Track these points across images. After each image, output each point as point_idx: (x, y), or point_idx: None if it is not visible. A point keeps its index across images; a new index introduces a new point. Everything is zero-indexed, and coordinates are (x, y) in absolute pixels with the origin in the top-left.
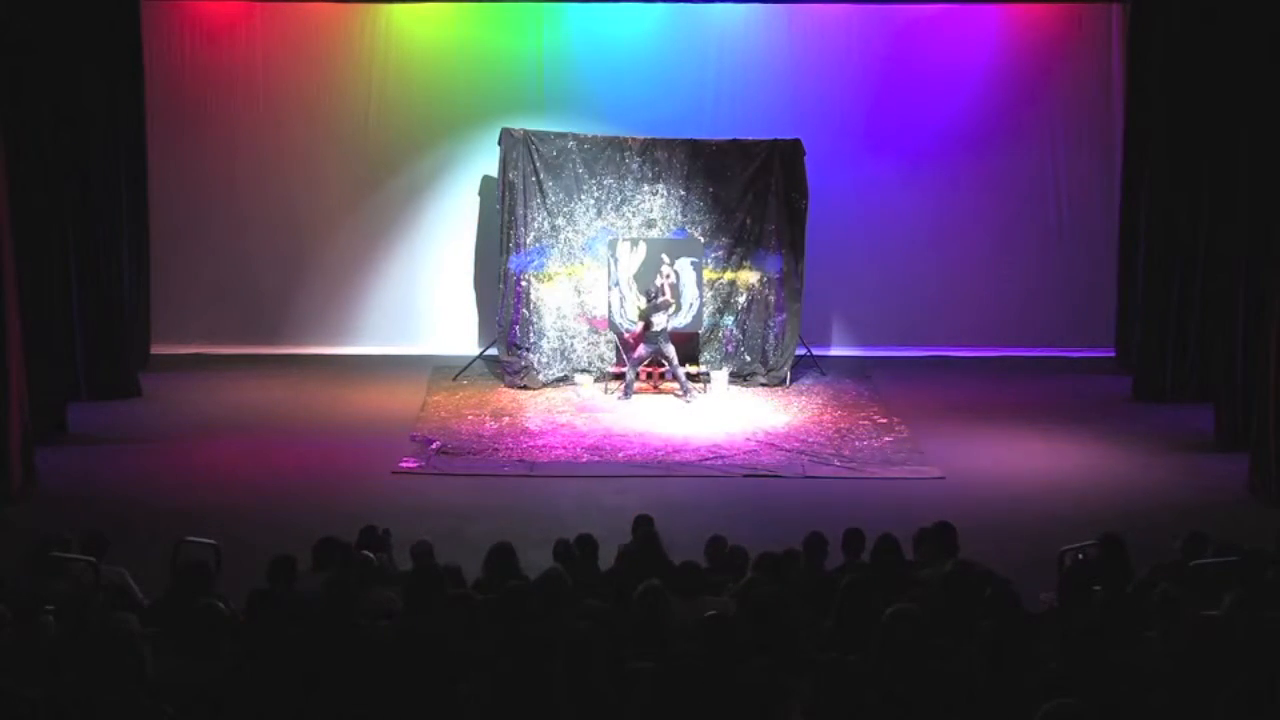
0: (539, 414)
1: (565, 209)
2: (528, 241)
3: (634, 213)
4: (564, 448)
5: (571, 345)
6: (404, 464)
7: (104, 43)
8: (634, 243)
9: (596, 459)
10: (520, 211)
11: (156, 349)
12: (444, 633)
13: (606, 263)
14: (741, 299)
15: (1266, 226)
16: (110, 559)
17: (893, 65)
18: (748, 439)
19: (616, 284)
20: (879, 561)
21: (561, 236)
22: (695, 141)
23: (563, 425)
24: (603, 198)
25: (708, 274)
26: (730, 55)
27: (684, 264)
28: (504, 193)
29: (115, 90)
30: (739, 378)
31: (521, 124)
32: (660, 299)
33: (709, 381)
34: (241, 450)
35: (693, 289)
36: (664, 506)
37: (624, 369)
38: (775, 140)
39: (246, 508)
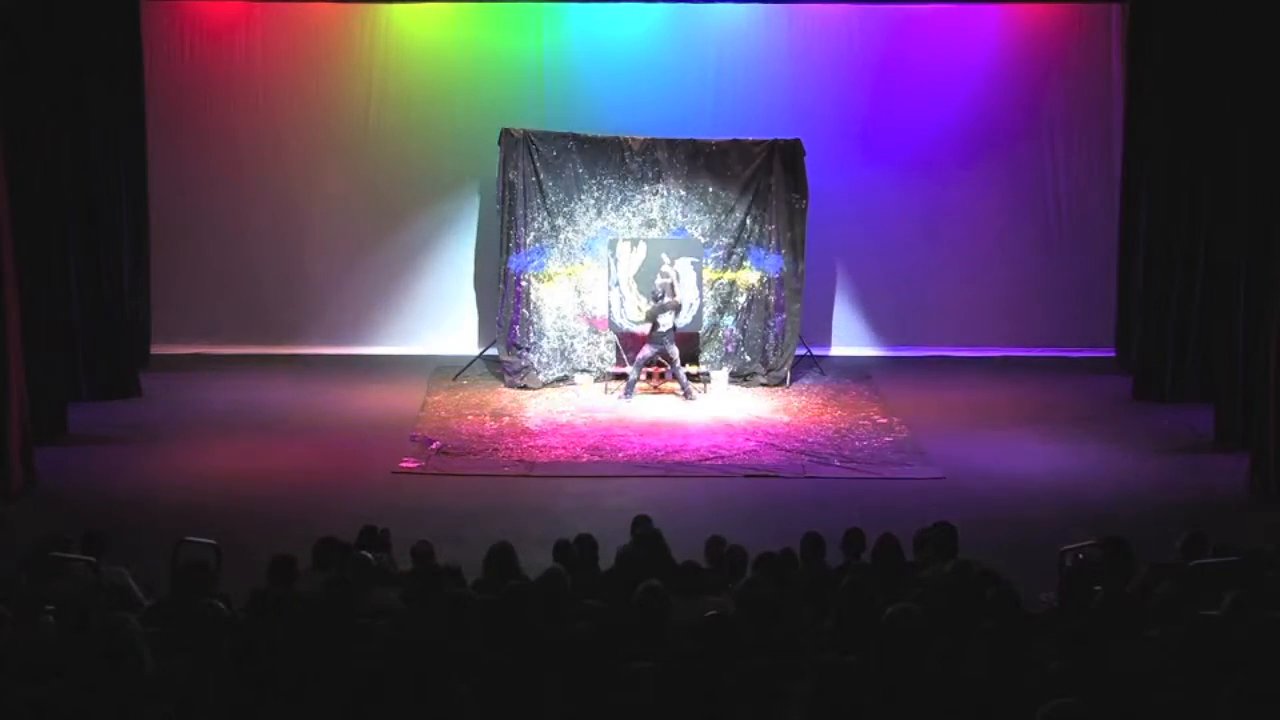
0: (539, 414)
1: (565, 209)
2: (528, 241)
3: (634, 213)
4: (564, 448)
5: (571, 345)
6: (404, 464)
7: (104, 42)
8: (634, 243)
9: (596, 459)
10: (520, 211)
11: (156, 349)
12: (444, 633)
13: (606, 263)
14: (741, 299)
15: (1266, 227)
16: (110, 559)
17: (893, 65)
18: (748, 439)
19: (616, 284)
20: (879, 561)
21: (561, 236)
22: (695, 141)
23: (563, 425)
24: (603, 198)
25: (708, 274)
26: (730, 55)
27: (684, 264)
28: (504, 193)
29: (115, 90)
30: (739, 378)
31: (522, 124)
32: (667, 299)
33: (709, 381)
34: (241, 450)
35: (693, 289)
36: (664, 506)
37: (624, 369)
38: (775, 140)
39: (246, 508)
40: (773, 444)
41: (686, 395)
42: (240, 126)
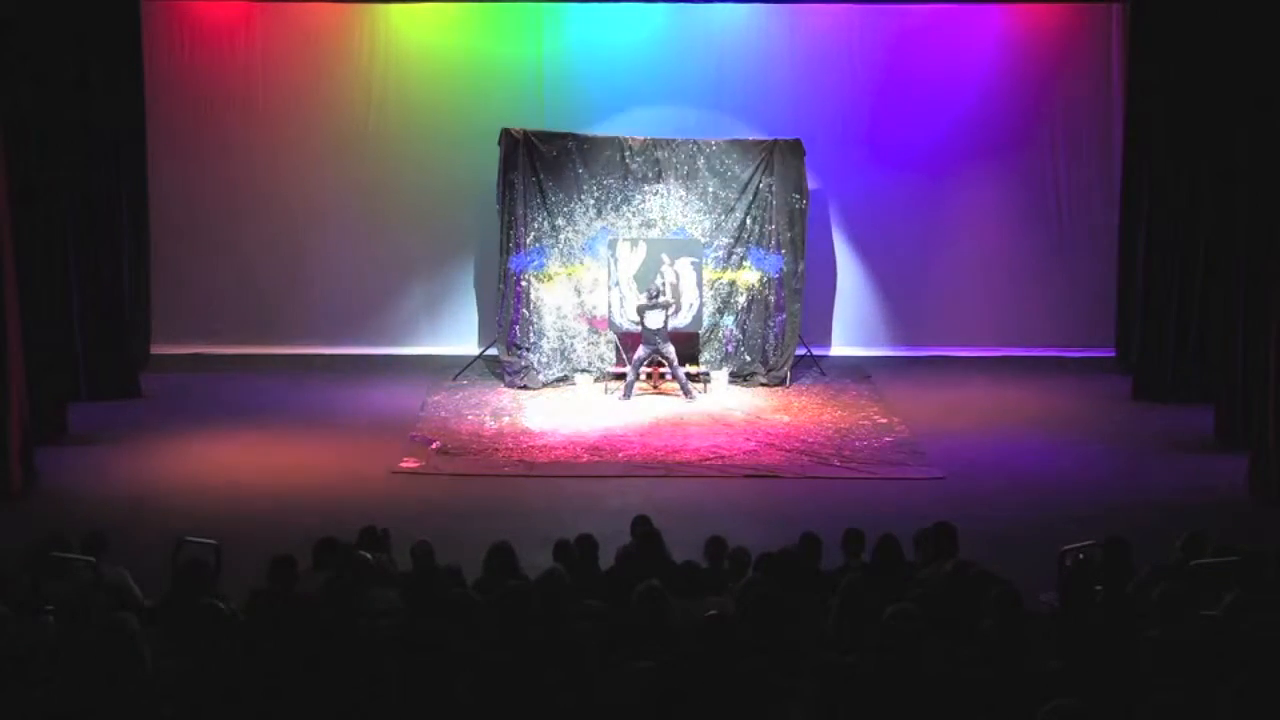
0: (539, 414)
1: (565, 209)
2: (528, 241)
3: (634, 213)
4: (564, 448)
5: (571, 345)
6: (404, 464)
7: (104, 42)
8: (634, 243)
9: (596, 459)
10: (520, 211)
11: (156, 349)
12: (444, 633)
13: (606, 263)
14: (741, 299)
15: (1266, 226)
16: (110, 559)
17: (893, 65)
18: (748, 439)
19: (616, 284)
20: (879, 561)
21: (561, 236)
22: (695, 141)
23: (563, 425)
24: (603, 198)
25: (708, 274)
26: (730, 55)
27: (684, 264)
28: (504, 193)
29: (115, 90)
30: (739, 378)
31: (521, 123)
32: (660, 298)
33: (709, 381)
34: (241, 450)
35: (693, 289)
36: (664, 506)
37: (624, 369)
38: (775, 140)
39: (246, 508)
40: (773, 444)
41: (686, 395)
42: (240, 126)
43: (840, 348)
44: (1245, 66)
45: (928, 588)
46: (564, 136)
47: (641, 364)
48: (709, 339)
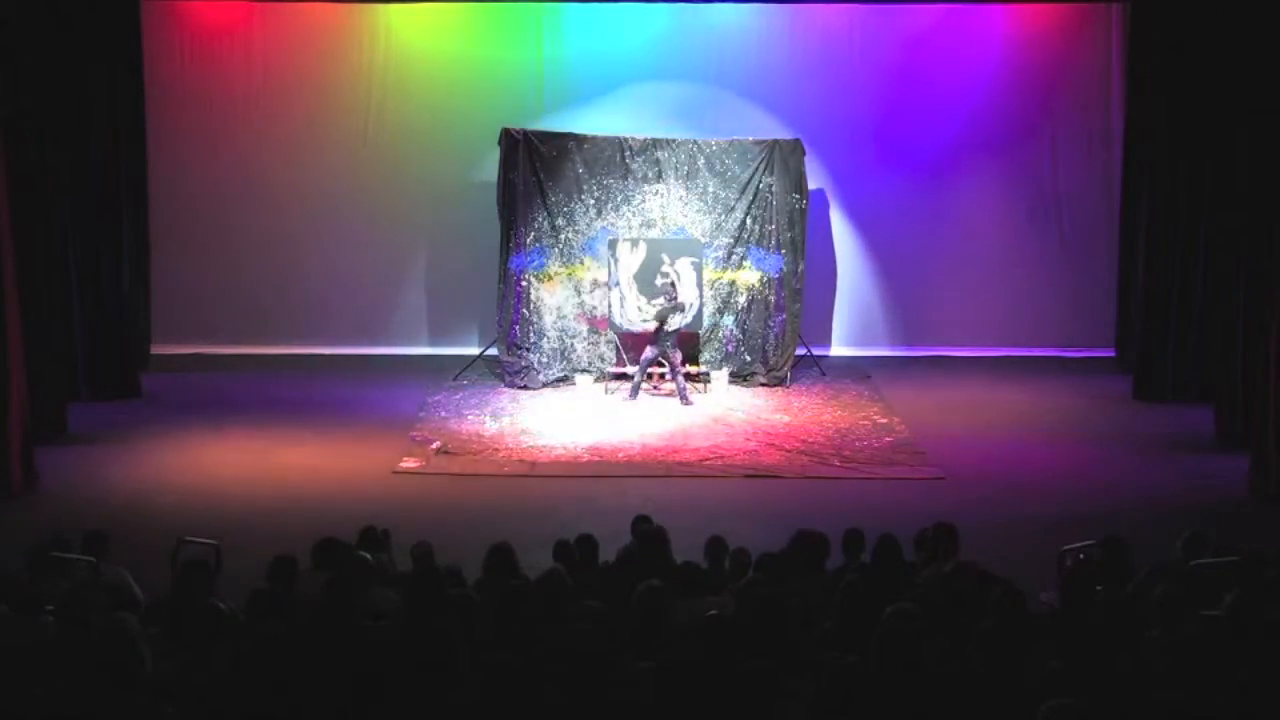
0: (539, 414)
1: (565, 209)
2: (528, 241)
3: (634, 213)
4: (564, 448)
5: (571, 345)
6: (404, 464)
7: (104, 43)
8: (634, 243)
9: (596, 459)
10: (520, 211)
11: (156, 349)
12: (444, 633)
13: (606, 263)
14: (741, 299)
15: (1266, 226)
16: (110, 559)
17: (892, 65)
18: (748, 439)
19: (616, 284)
20: (879, 562)
21: (561, 236)
22: (695, 141)
23: (563, 425)
24: (603, 198)
25: (708, 274)
26: (730, 55)
27: (684, 264)
28: (504, 193)
29: (115, 91)
30: (739, 378)
31: (521, 123)
32: (676, 300)
33: (709, 381)
34: (241, 450)
35: (693, 289)
36: (664, 506)
37: (624, 369)
38: (775, 140)
39: (247, 507)
40: (773, 444)
41: (684, 400)
42: (240, 126)
43: (840, 348)
44: (1245, 66)
45: (928, 588)
46: (564, 136)
47: (649, 365)
48: (709, 339)
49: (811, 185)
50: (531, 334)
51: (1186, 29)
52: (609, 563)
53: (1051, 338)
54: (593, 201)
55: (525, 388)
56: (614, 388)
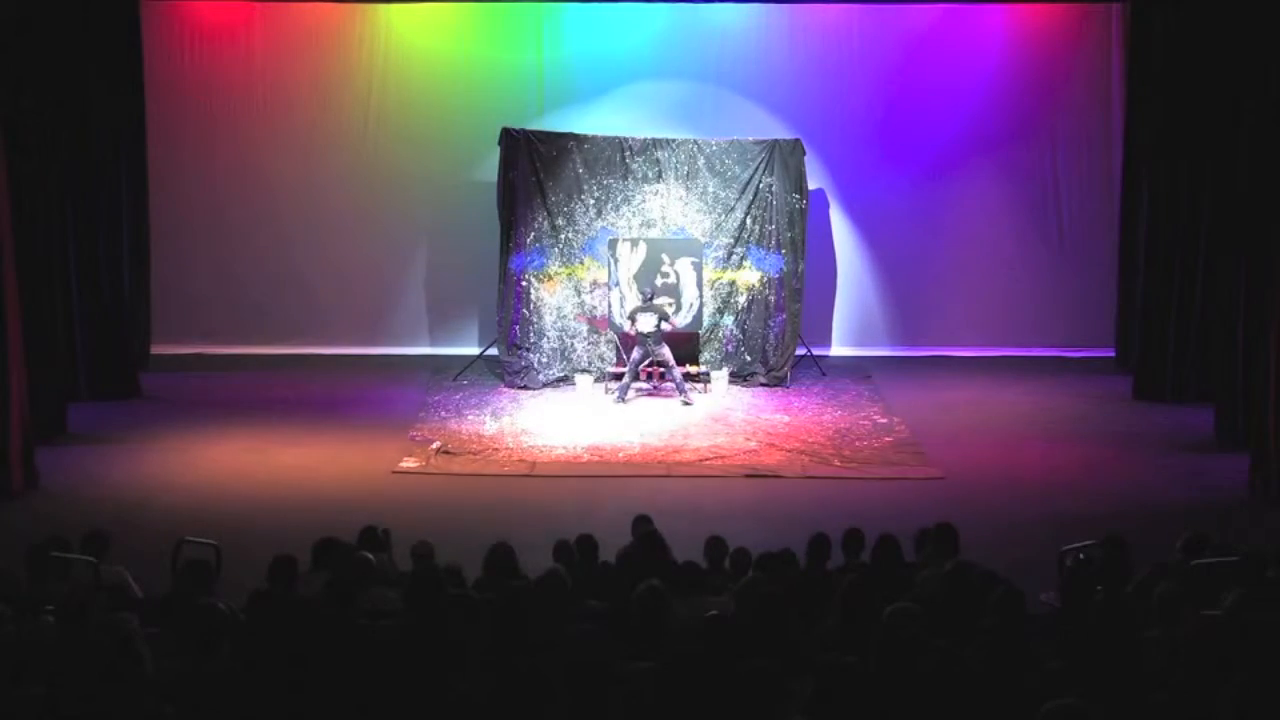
0: (539, 414)
1: (565, 209)
2: (528, 241)
3: (634, 213)
4: (564, 448)
5: (571, 345)
6: (404, 464)
7: (104, 43)
8: (634, 243)
9: (596, 459)
10: (520, 211)
11: (156, 349)
12: (444, 633)
13: (606, 263)
14: (741, 299)
15: (1266, 226)
16: (110, 559)
17: (892, 65)
18: (748, 439)
19: (616, 284)
20: (879, 561)
21: (561, 236)
22: (695, 141)
23: (563, 425)
24: (603, 198)
25: (708, 274)
26: (730, 55)
27: (684, 264)
28: (504, 193)
29: (115, 91)
30: (739, 378)
31: (521, 122)
32: (655, 300)
33: (709, 381)
34: (241, 450)
35: (693, 289)
36: (664, 506)
37: (624, 369)
38: (775, 140)
39: (247, 507)
40: (773, 444)
41: (684, 399)
42: (240, 127)
43: (840, 348)
44: (1245, 66)
45: (928, 588)
46: (564, 136)
47: (638, 367)
48: (709, 339)
49: (811, 185)
50: (531, 334)
51: (1186, 29)
52: (609, 563)
53: (1051, 338)
54: (593, 201)
55: (525, 388)
56: (614, 387)
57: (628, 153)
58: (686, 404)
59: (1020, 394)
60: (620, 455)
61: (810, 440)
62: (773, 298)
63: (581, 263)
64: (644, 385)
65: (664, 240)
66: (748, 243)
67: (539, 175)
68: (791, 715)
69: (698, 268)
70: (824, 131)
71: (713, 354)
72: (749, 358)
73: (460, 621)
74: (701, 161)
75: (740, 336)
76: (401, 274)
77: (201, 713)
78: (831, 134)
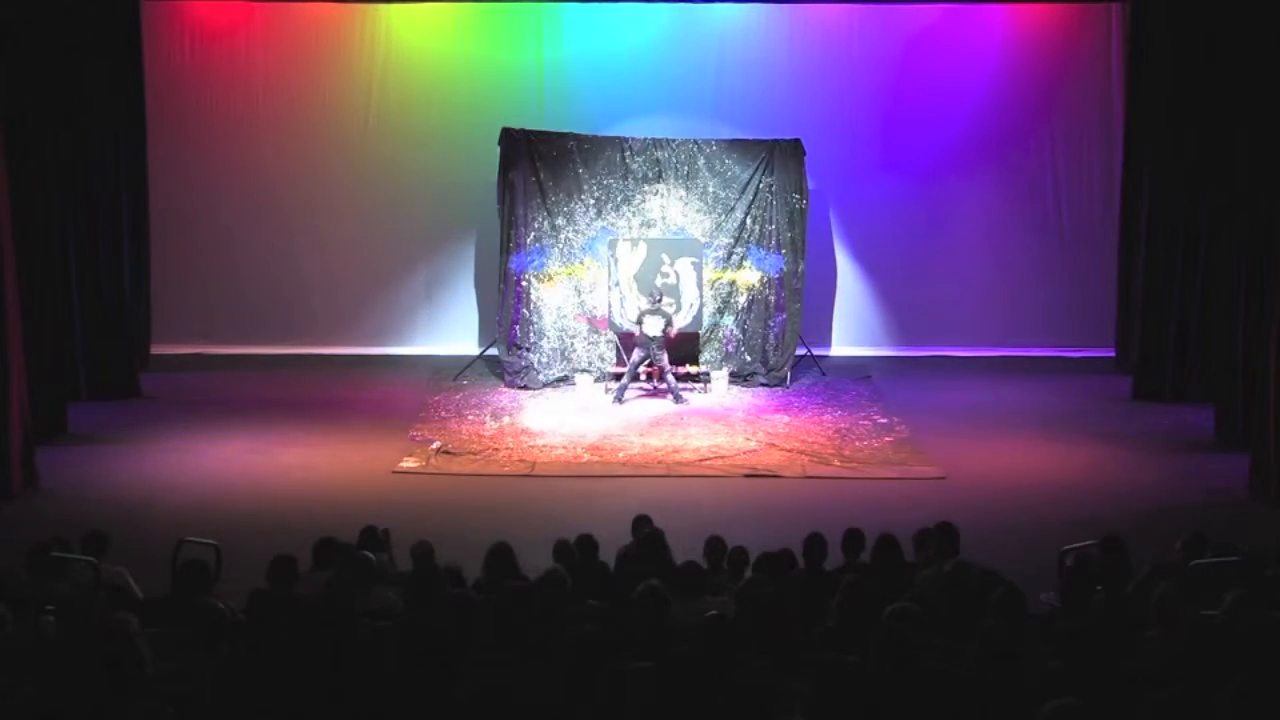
0: (539, 414)
1: (565, 209)
2: (528, 241)
3: (634, 213)
4: (564, 448)
5: (571, 345)
6: (404, 464)
7: (104, 43)
8: (634, 243)
9: (596, 459)
10: (520, 211)
11: (156, 349)
12: (444, 633)
13: (606, 263)
14: (741, 299)
15: (1266, 226)
16: (110, 559)
17: (892, 65)
18: (748, 439)
19: (616, 284)
20: (879, 561)
21: (561, 236)
22: (695, 141)
23: (563, 425)
24: (603, 198)
25: (708, 274)
26: (730, 55)
27: (684, 264)
28: (504, 193)
29: (115, 91)
30: (739, 378)
31: (521, 123)
32: (661, 302)
33: (709, 381)
34: (241, 450)
35: (693, 289)
36: (664, 506)
37: (624, 369)
38: (775, 140)
39: (247, 507)
40: (773, 444)
41: (676, 399)
42: (240, 127)
43: (840, 348)
44: (1245, 66)
45: (928, 588)
46: (564, 136)
47: (637, 368)
48: (709, 339)
49: (811, 185)
50: (531, 334)
51: (1186, 29)
52: (609, 563)
53: (1051, 338)
54: (593, 201)
55: (525, 388)
56: (614, 387)
57: (628, 153)
58: (680, 403)
59: (1020, 394)
60: (620, 455)
61: (810, 440)
62: (773, 298)
63: (581, 263)
64: (645, 385)
65: (664, 240)
66: (748, 243)
67: (539, 175)
68: (791, 715)
69: (698, 268)
70: (824, 131)
71: (713, 354)
72: (749, 358)
73: (460, 621)
74: (701, 161)
75: (740, 336)
76: (401, 274)
77: (201, 713)
78: (831, 134)
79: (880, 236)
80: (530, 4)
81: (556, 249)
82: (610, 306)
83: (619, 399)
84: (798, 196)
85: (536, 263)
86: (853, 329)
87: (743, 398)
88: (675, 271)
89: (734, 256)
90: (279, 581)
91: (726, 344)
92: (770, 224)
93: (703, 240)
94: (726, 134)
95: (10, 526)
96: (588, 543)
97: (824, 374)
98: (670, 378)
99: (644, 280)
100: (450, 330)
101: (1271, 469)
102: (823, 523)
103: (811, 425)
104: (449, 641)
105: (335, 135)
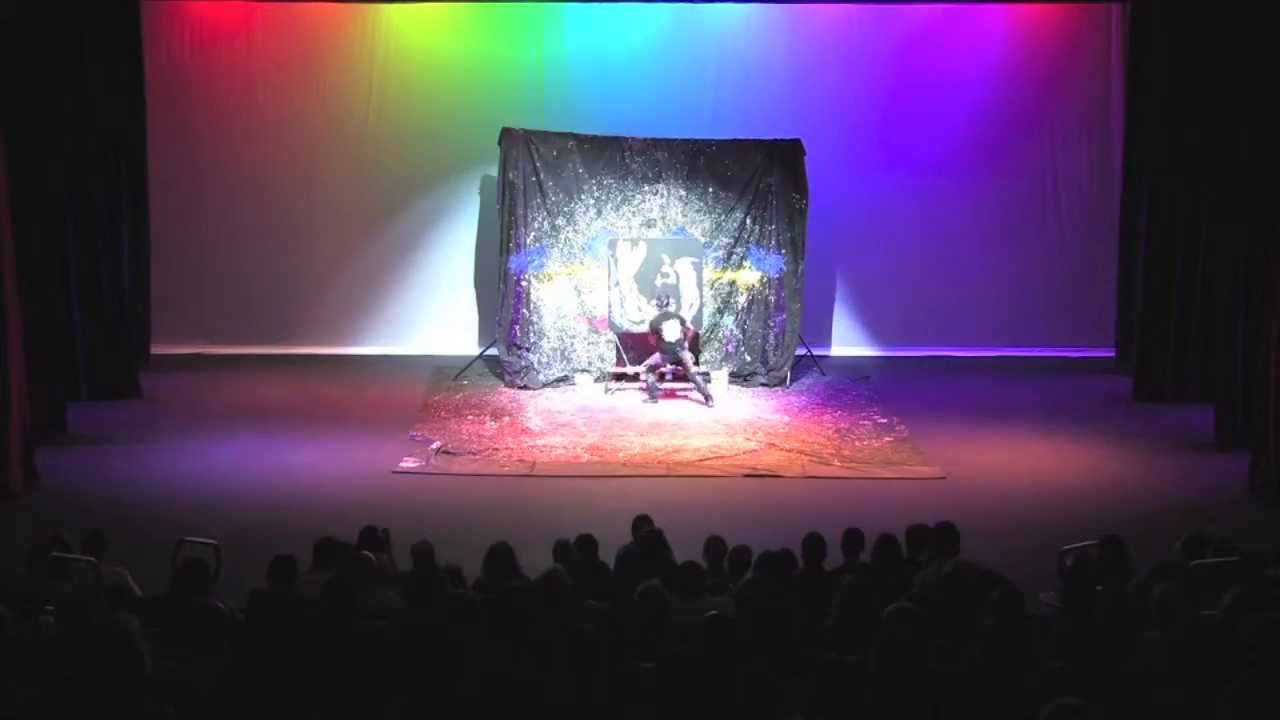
0: (539, 414)
1: (565, 209)
2: (528, 241)
3: (634, 213)
4: (564, 448)
5: (571, 345)
6: (404, 464)
7: (104, 43)
8: (634, 243)
9: (596, 459)
10: (520, 211)
11: (156, 349)
12: (444, 633)
13: (606, 263)
14: (741, 299)
15: (1267, 226)
16: (110, 559)
17: (892, 65)
18: (748, 439)
19: (616, 284)
20: (879, 561)
21: (561, 236)
22: (695, 141)
23: (563, 425)
24: (603, 198)
25: (708, 274)
26: (730, 55)
27: (684, 264)
28: (504, 193)
29: (115, 90)
30: (739, 378)
31: (522, 123)
32: (669, 305)
33: (709, 381)
34: (242, 450)
35: (693, 289)
36: (664, 506)
37: (624, 369)
38: (775, 140)
39: (247, 507)
40: (773, 444)
41: (707, 400)
42: (240, 127)
43: (840, 348)
44: (1246, 66)
45: (928, 588)
46: (564, 136)
47: (658, 368)
48: (709, 339)
49: (811, 185)
50: (531, 334)
51: (1186, 29)
52: (609, 563)
53: (1051, 338)
54: (593, 201)
55: (525, 388)
56: (614, 387)
57: (628, 153)
58: (709, 405)
59: (1020, 394)
60: (620, 455)
61: (810, 440)
62: (773, 298)
63: (581, 263)
64: (669, 386)
65: (664, 240)
66: (748, 243)
67: (539, 175)
68: (791, 715)
69: (698, 268)
70: (824, 131)
71: (713, 354)
72: (749, 358)
73: (460, 621)
74: (701, 161)
75: (740, 336)
76: (402, 274)
77: (201, 713)
78: (831, 134)
79: (880, 236)
80: (530, 4)
81: (556, 249)
82: (610, 306)
83: (653, 399)
84: (798, 196)
85: (536, 263)
86: (853, 329)
87: (743, 398)
88: (675, 271)
89: (734, 256)
90: (279, 581)
91: (726, 344)
92: (770, 224)
93: (703, 240)
94: (726, 134)
95: (10, 526)
96: (588, 543)
97: (824, 374)
98: (698, 378)
99: (644, 280)
100: (450, 330)
101: (1271, 469)
102: (823, 523)
103: (811, 425)
104: (449, 641)
105: (335, 135)
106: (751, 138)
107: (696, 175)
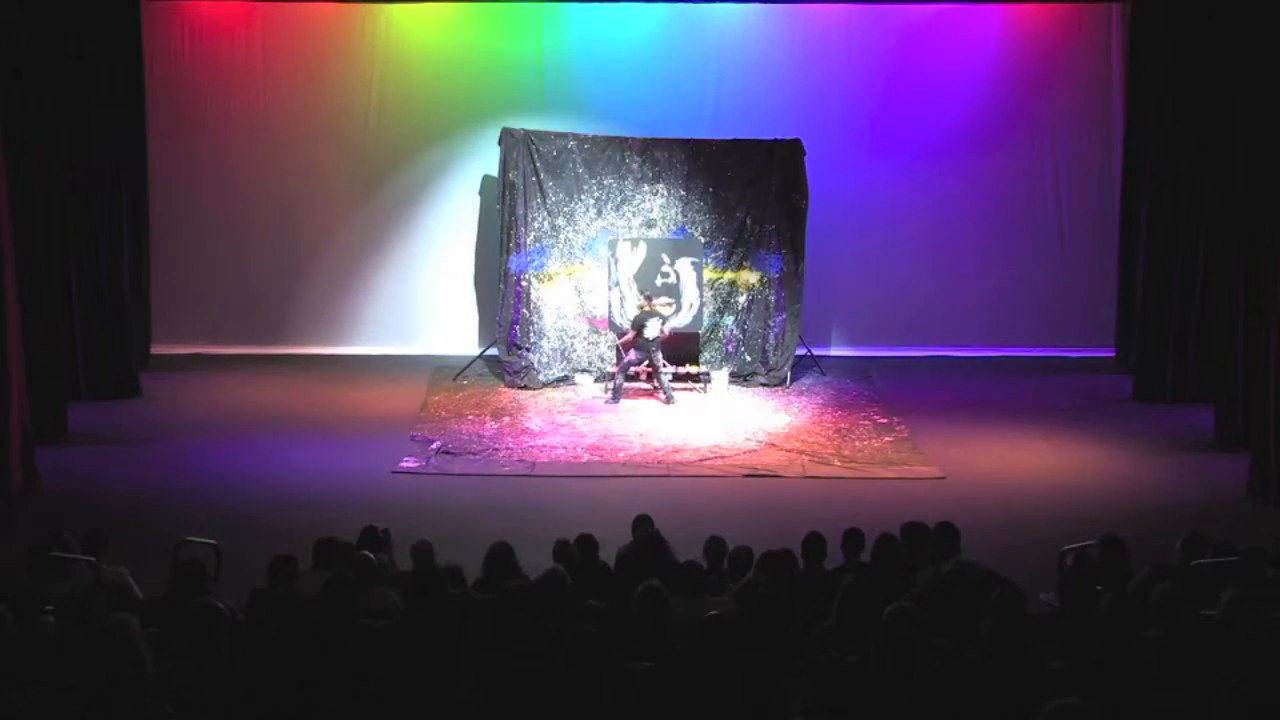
0: (539, 414)
1: (565, 209)
2: (528, 241)
3: (634, 213)
4: (564, 448)
5: (571, 345)
6: (404, 464)
7: (104, 42)
8: (634, 243)
9: (596, 459)
10: (520, 211)
11: (156, 349)
12: (444, 633)
13: (606, 263)
14: (741, 299)
15: (1266, 226)
16: (110, 559)
17: (893, 65)
18: (748, 439)
19: (616, 284)
20: (879, 561)
21: (561, 236)
22: (695, 141)
23: (563, 425)
24: (603, 198)
25: (708, 274)
26: (730, 55)
27: (684, 264)
28: (504, 193)
29: (115, 89)
30: (739, 378)
31: (522, 123)
32: (654, 303)
33: (709, 381)
34: (241, 450)
35: (693, 289)
36: (664, 506)
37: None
38: (775, 140)
39: (246, 508)
40: (772, 444)
41: (667, 400)
42: (240, 126)
43: (840, 348)
44: (1245, 66)
45: (928, 588)
46: (564, 136)
47: (630, 367)
48: (709, 339)
49: (811, 185)
50: (531, 334)
51: (1187, 28)
52: (609, 563)
53: (1051, 338)
54: (593, 201)
55: (525, 388)
56: (609, 388)
57: (628, 153)
58: (669, 404)
59: (1020, 394)
60: (620, 455)
61: (810, 440)
62: (773, 298)
63: (581, 263)
64: (644, 385)
65: (664, 240)
66: (748, 243)
67: (539, 175)
68: (791, 715)
69: (698, 268)
70: (824, 131)
71: (713, 354)
72: (749, 358)
73: (460, 621)
74: (702, 161)
75: (740, 336)
76: (402, 274)
77: (201, 713)
78: (832, 134)
79: (880, 236)
80: (531, 3)
81: (556, 249)
82: (610, 307)
83: (615, 400)
84: (798, 196)
85: (536, 263)
86: (853, 329)
87: (743, 398)
88: (675, 271)
89: (734, 256)
90: (279, 581)
91: (726, 344)
92: (770, 224)
93: (703, 240)
94: (726, 134)
95: (10, 526)
96: (588, 543)
97: (824, 374)
98: (665, 379)
99: (644, 280)
100: (450, 330)
101: (1271, 469)
102: (823, 523)
103: (811, 425)
104: (449, 641)
105: (335, 134)
106: (751, 138)
107: (696, 175)
